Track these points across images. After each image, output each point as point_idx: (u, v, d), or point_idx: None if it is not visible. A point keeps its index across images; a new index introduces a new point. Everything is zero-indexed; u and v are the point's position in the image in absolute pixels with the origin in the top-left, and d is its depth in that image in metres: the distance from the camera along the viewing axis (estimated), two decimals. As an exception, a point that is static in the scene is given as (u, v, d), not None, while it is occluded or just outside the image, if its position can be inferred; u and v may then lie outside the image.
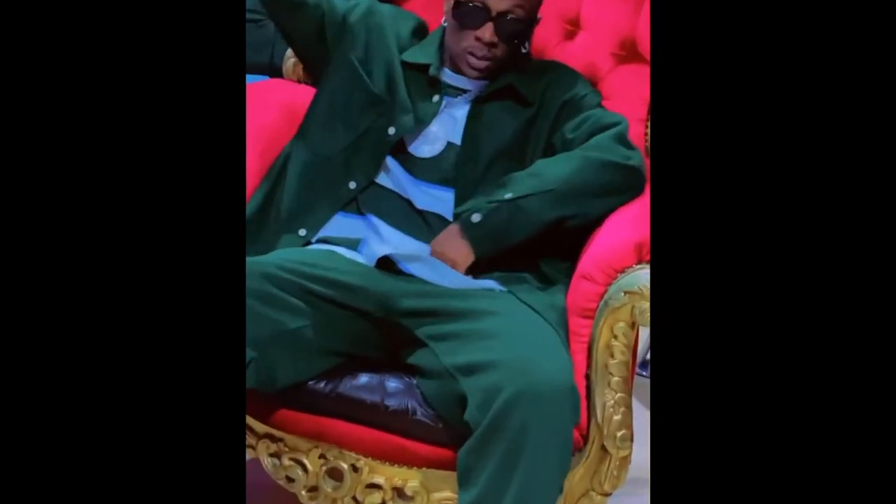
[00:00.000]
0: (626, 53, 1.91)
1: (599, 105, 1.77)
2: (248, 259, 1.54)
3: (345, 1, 1.85)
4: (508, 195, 1.59)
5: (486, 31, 1.68)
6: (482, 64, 1.72)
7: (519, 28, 1.71)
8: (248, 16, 2.45)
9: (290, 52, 1.99)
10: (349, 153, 1.74)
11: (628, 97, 1.85)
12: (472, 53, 1.71)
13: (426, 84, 1.77)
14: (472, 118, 1.75)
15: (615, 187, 1.62)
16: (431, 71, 1.77)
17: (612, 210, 1.62)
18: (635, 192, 1.64)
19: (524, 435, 1.36)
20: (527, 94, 1.75)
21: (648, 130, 1.84)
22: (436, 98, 1.77)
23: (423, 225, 1.68)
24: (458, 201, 1.68)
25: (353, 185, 1.71)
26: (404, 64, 1.79)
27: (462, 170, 1.71)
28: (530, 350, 1.42)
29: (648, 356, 2.62)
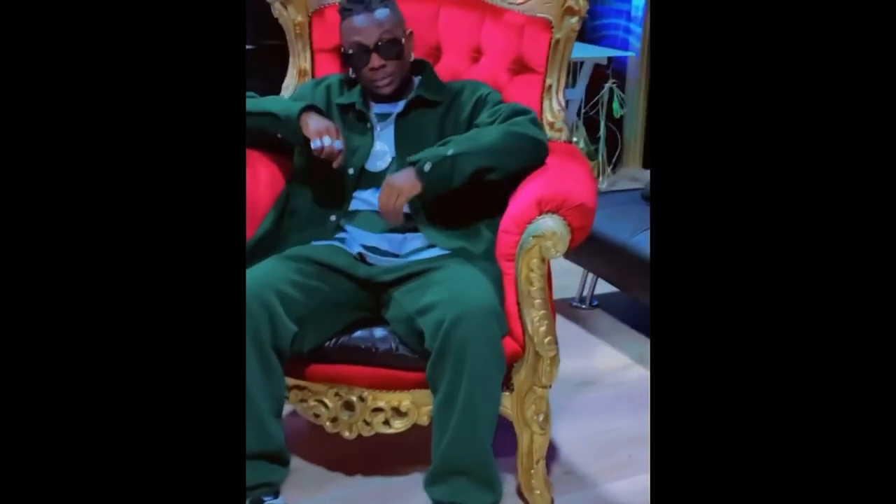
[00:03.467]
0: (518, 67, 2.16)
1: (502, 101, 1.99)
2: (277, 259, 1.83)
3: (279, 100, 2.05)
4: (451, 152, 1.79)
5: (374, 60, 1.90)
6: (386, 82, 1.93)
7: (395, 46, 1.91)
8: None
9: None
10: (324, 194, 1.96)
11: (524, 99, 2.10)
12: (374, 81, 1.93)
13: (357, 118, 1.99)
14: (397, 132, 1.97)
15: (527, 153, 1.85)
16: (357, 106, 1.98)
17: (521, 169, 1.85)
18: (540, 160, 1.88)
19: (464, 347, 1.66)
20: (433, 98, 1.98)
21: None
22: (368, 125, 1.97)
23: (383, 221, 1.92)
24: None
25: (333, 217, 1.96)
26: (339, 107, 2.00)
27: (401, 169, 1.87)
28: (461, 288, 1.72)
29: (584, 294, 2.94)
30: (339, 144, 1.87)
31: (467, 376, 1.67)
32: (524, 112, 1.92)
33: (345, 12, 1.93)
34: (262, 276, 1.75)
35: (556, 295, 2.93)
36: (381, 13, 1.92)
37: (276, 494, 1.79)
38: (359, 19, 1.91)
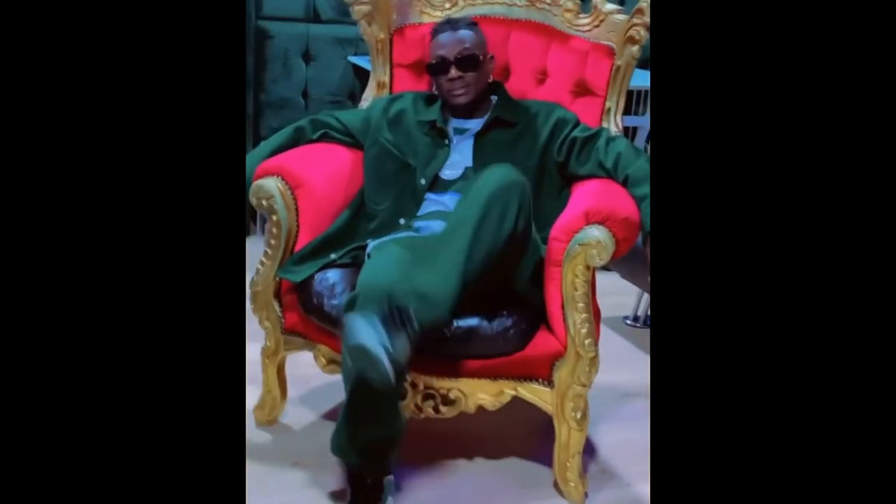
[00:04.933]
0: (580, 90, 2.27)
1: (579, 120, 2.12)
2: (390, 250, 1.89)
3: (355, 112, 2.27)
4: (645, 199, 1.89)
5: (452, 71, 2.11)
6: (462, 92, 2.12)
7: (473, 60, 2.11)
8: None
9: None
10: (396, 203, 2.10)
11: (585, 120, 2.18)
12: (451, 90, 2.13)
13: (437, 134, 2.15)
14: (476, 148, 2.12)
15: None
16: (438, 123, 2.15)
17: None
18: None
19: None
20: (510, 119, 2.13)
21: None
22: (446, 141, 2.13)
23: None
24: None
25: (402, 221, 2.08)
26: (419, 122, 2.17)
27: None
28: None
29: (639, 313, 3.00)
30: None
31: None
32: (613, 136, 2.08)
33: (435, 32, 2.17)
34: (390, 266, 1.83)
35: (613, 312, 3.02)
36: (465, 33, 2.14)
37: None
38: (444, 36, 2.14)
